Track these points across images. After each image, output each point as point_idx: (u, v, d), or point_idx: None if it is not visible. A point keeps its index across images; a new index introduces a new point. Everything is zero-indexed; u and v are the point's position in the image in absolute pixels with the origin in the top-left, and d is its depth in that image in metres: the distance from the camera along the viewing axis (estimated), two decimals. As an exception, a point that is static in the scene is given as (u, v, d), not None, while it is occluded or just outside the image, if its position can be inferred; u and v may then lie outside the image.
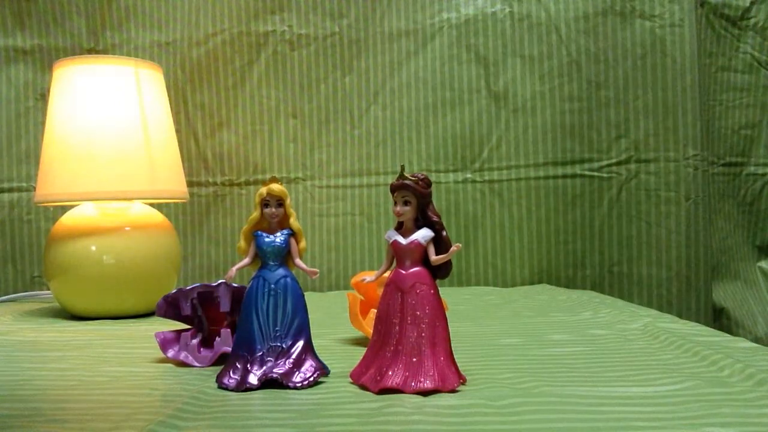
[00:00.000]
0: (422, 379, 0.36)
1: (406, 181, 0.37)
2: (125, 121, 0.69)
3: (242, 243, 0.41)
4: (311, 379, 0.38)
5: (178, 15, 0.93)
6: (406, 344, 0.37)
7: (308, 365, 0.39)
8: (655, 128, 0.88)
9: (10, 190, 0.93)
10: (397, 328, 0.37)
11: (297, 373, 0.38)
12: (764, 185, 0.97)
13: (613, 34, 0.89)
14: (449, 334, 0.38)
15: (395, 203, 0.37)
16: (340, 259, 0.92)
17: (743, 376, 0.37)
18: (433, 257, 0.37)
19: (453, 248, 0.37)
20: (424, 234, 0.37)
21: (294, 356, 0.39)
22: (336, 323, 0.59)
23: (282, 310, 0.40)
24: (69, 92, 0.69)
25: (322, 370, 0.39)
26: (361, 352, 0.48)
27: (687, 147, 0.87)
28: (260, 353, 0.39)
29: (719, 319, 0.93)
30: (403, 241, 0.37)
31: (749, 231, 0.98)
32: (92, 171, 0.67)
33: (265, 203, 0.40)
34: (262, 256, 0.40)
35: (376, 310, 0.50)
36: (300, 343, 0.39)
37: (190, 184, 0.90)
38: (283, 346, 0.39)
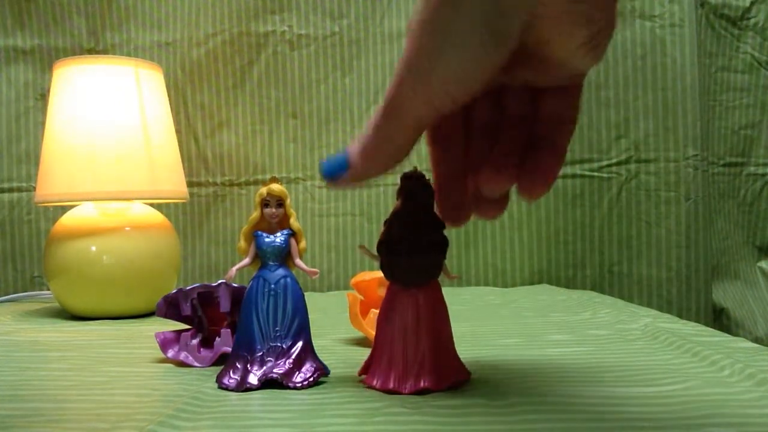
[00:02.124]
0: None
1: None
2: (125, 121, 0.69)
3: (242, 243, 0.41)
4: (311, 379, 0.38)
5: (178, 15, 0.93)
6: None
7: (308, 365, 0.39)
8: (655, 128, 0.88)
9: (10, 190, 0.93)
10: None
11: (297, 373, 0.38)
12: (764, 185, 0.97)
13: (613, 35, 0.88)
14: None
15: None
16: (340, 259, 0.92)
17: (743, 376, 0.37)
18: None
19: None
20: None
21: (294, 356, 0.39)
22: (336, 323, 0.59)
23: (282, 310, 0.40)
24: (69, 92, 0.69)
25: (322, 370, 0.39)
26: (362, 352, 0.48)
27: (687, 147, 0.87)
28: (260, 353, 0.39)
29: (719, 319, 0.93)
30: None
31: (749, 231, 0.98)
32: (92, 171, 0.67)
33: (265, 203, 0.40)
34: (262, 257, 0.40)
35: (376, 310, 0.50)
36: (300, 344, 0.39)
37: (190, 184, 0.90)
38: (283, 346, 0.39)
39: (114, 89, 0.69)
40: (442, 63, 0.27)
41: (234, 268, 0.40)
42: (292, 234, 0.41)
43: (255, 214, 0.40)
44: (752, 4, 0.94)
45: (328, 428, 0.30)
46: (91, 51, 0.93)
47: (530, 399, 0.34)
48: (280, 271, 0.40)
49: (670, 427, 0.29)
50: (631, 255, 0.89)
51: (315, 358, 0.40)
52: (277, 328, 0.39)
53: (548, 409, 0.32)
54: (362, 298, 0.51)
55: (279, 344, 0.39)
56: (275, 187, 0.40)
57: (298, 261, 0.41)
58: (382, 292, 0.50)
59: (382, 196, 0.92)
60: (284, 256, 0.40)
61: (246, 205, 0.93)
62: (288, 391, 0.37)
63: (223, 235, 0.94)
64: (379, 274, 0.51)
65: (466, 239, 0.91)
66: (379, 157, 0.31)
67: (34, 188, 0.76)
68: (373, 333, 0.48)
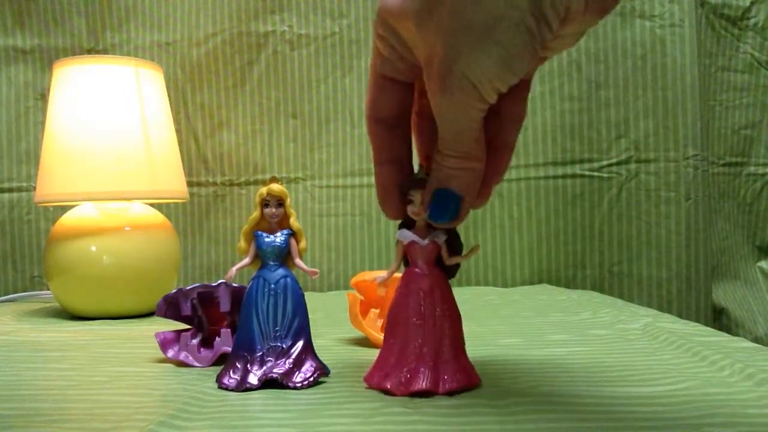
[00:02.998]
0: (450, 379, 0.35)
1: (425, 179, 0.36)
2: (125, 121, 0.69)
3: (242, 243, 0.41)
4: (311, 379, 0.38)
5: (178, 15, 0.93)
6: (430, 346, 0.36)
7: (308, 365, 0.39)
8: (655, 128, 0.88)
9: (10, 190, 0.93)
10: (420, 330, 0.36)
11: (297, 373, 0.38)
12: (764, 185, 0.97)
13: (613, 34, 0.89)
14: (463, 334, 0.38)
15: (411, 202, 0.36)
16: (340, 259, 0.92)
17: (743, 376, 0.37)
18: (448, 257, 0.37)
19: (472, 249, 0.37)
20: (440, 235, 0.37)
21: (294, 356, 0.39)
22: (336, 323, 0.59)
23: (282, 310, 0.40)
24: (69, 92, 0.69)
25: (322, 370, 0.39)
26: (362, 352, 0.48)
27: (687, 147, 0.87)
28: (260, 353, 0.39)
29: (719, 319, 0.93)
30: (422, 242, 0.37)
31: (749, 231, 0.98)
32: (92, 171, 0.67)
33: (265, 203, 0.40)
34: (262, 256, 0.40)
35: (376, 310, 0.51)
36: (300, 344, 0.39)
37: (190, 184, 0.90)
38: (283, 346, 0.39)
39: (114, 89, 0.69)
40: (484, 58, 0.28)
41: (234, 268, 0.40)
42: (292, 234, 0.41)
43: (255, 214, 0.40)
44: (752, 4, 0.94)
45: (328, 428, 0.30)
46: (91, 51, 0.93)
47: (530, 399, 0.34)
48: (280, 271, 0.40)
49: (670, 427, 0.29)
50: (631, 255, 0.89)
51: (315, 358, 0.40)
52: (277, 328, 0.39)
53: (548, 409, 0.32)
54: (362, 298, 0.51)
55: (279, 344, 0.39)
56: (275, 187, 0.40)
57: (298, 261, 0.41)
58: (382, 292, 0.50)
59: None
60: (284, 256, 0.40)
61: (246, 205, 0.93)
62: (288, 391, 0.37)
63: (223, 235, 0.94)
64: (379, 274, 0.51)
65: (466, 239, 0.91)
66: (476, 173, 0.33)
67: (34, 188, 0.76)
68: (372, 333, 0.49)
